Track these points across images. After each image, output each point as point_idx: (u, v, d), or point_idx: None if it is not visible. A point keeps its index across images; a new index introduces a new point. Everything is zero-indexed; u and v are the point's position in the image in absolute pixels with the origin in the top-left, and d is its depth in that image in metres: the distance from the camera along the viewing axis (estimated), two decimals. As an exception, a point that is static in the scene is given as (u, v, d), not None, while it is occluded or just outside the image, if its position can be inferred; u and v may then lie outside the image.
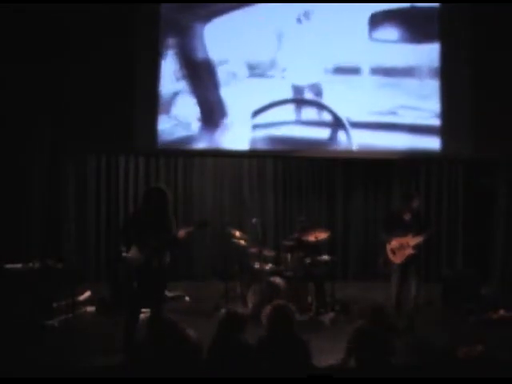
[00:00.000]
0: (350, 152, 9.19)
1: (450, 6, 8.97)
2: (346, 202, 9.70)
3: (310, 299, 7.44)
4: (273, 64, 8.95)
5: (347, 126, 9.02)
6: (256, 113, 9.03)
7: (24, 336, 6.42)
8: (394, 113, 9.00)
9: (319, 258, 7.62)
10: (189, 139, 9.12)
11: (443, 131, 9.07)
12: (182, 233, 6.00)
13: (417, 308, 6.87)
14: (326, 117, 9.06)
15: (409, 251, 6.81)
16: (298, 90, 9.00)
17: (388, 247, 6.93)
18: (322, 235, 7.64)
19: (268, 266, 7.58)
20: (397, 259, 6.88)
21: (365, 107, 9.01)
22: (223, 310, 4.89)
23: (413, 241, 6.82)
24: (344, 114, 9.02)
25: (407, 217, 6.93)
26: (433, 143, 9.09)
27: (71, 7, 8.59)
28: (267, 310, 4.64)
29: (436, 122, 9.05)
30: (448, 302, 7.96)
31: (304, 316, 7.15)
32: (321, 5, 8.86)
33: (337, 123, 9.03)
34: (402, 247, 6.82)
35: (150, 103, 9.03)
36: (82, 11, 8.65)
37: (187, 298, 8.23)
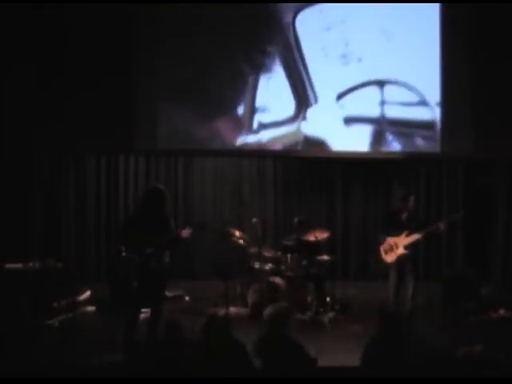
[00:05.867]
0: (350, 152, 9.20)
1: (450, 5, 8.98)
2: (345, 201, 9.69)
3: (309, 299, 7.44)
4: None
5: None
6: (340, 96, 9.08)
7: (24, 336, 6.43)
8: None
9: (319, 257, 7.61)
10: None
11: (443, 131, 9.07)
12: (185, 232, 6.01)
13: (414, 308, 6.86)
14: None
15: (400, 251, 6.83)
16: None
17: (381, 246, 6.97)
18: (322, 235, 7.63)
19: (268, 266, 7.58)
20: (388, 258, 6.92)
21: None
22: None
23: (405, 241, 6.84)
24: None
25: (403, 217, 6.95)
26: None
27: (73, 5, 8.61)
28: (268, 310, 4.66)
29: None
30: (448, 302, 7.96)
31: (304, 316, 7.16)
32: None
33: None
34: (393, 247, 6.86)
35: (151, 103, 9.03)
36: (83, 9, 8.65)
37: (187, 298, 8.23)
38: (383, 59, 8.96)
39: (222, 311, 4.94)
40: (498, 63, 8.80)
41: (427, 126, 9.15)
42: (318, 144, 9.24)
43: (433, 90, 9.01)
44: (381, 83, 9.05)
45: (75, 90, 8.83)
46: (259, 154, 9.43)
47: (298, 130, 9.19)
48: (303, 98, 9.12)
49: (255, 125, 9.20)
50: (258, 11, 8.96)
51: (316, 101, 9.12)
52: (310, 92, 9.10)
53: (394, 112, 9.13)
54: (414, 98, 9.07)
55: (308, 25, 9.05)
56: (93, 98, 8.78)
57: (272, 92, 9.12)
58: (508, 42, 8.80)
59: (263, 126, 9.19)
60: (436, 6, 9.00)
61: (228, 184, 9.70)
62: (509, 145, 8.87)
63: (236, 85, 9.11)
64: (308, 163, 9.62)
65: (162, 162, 9.58)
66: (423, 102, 9.07)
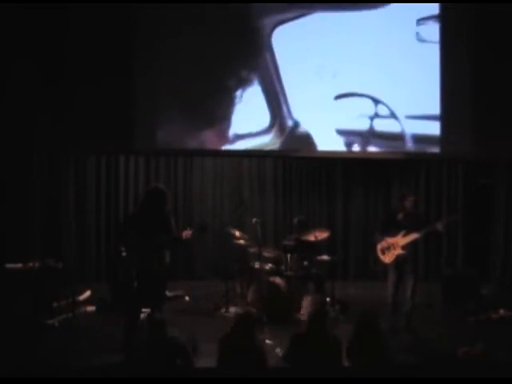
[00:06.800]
0: (350, 152, 9.20)
1: (450, 6, 8.98)
2: (345, 201, 9.70)
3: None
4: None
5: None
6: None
7: (24, 336, 6.43)
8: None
9: (319, 257, 7.61)
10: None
11: (443, 131, 9.07)
12: (186, 233, 6.02)
13: (413, 308, 6.86)
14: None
15: (398, 251, 6.80)
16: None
17: (378, 247, 6.94)
18: (322, 235, 7.64)
19: (268, 266, 7.58)
20: (386, 259, 6.88)
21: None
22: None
23: (402, 241, 6.80)
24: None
25: (400, 217, 6.94)
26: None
27: (73, 6, 8.62)
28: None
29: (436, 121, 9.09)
30: (448, 302, 7.97)
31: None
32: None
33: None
34: (391, 247, 6.83)
35: (150, 103, 9.03)
36: (83, 9, 8.64)
37: (187, 298, 8.24)
38: (378, 62, 8.92)
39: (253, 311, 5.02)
40: (498, 63, 8.79)
41: (397, 137, 9.09)
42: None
43: (432, 90, 9.01)
44: (355, 95, 8.99)
45: (75, 90, 8.82)
46: (259, 154, 9.43)
47: (273, 141, 9.10)
48: (277, 109, 9.04)
49: (230, 135, 9.09)
50: (242, 26, 8.92)
51: (290, 113, 9.05)
52: (283, 104, 9.02)
53: (366, 124, 9.04)
54: (386, 111, 9.01)
55: (285, 38, 8.98)
56: (93, 98, 8.76)
57: (247, 103, 9.04)
58: (508, 42, 8.80)
59: (239, 137, 9.10)
60: (435, 7, 9.01)
61: (228, 184, 9.70)
62: (509, 145, 8.87)
63: (227, 92, 9.05)
64: (308, 163, 9.63)
65: (162, 162, 9.58)
66: (393, 115, 9.01)
